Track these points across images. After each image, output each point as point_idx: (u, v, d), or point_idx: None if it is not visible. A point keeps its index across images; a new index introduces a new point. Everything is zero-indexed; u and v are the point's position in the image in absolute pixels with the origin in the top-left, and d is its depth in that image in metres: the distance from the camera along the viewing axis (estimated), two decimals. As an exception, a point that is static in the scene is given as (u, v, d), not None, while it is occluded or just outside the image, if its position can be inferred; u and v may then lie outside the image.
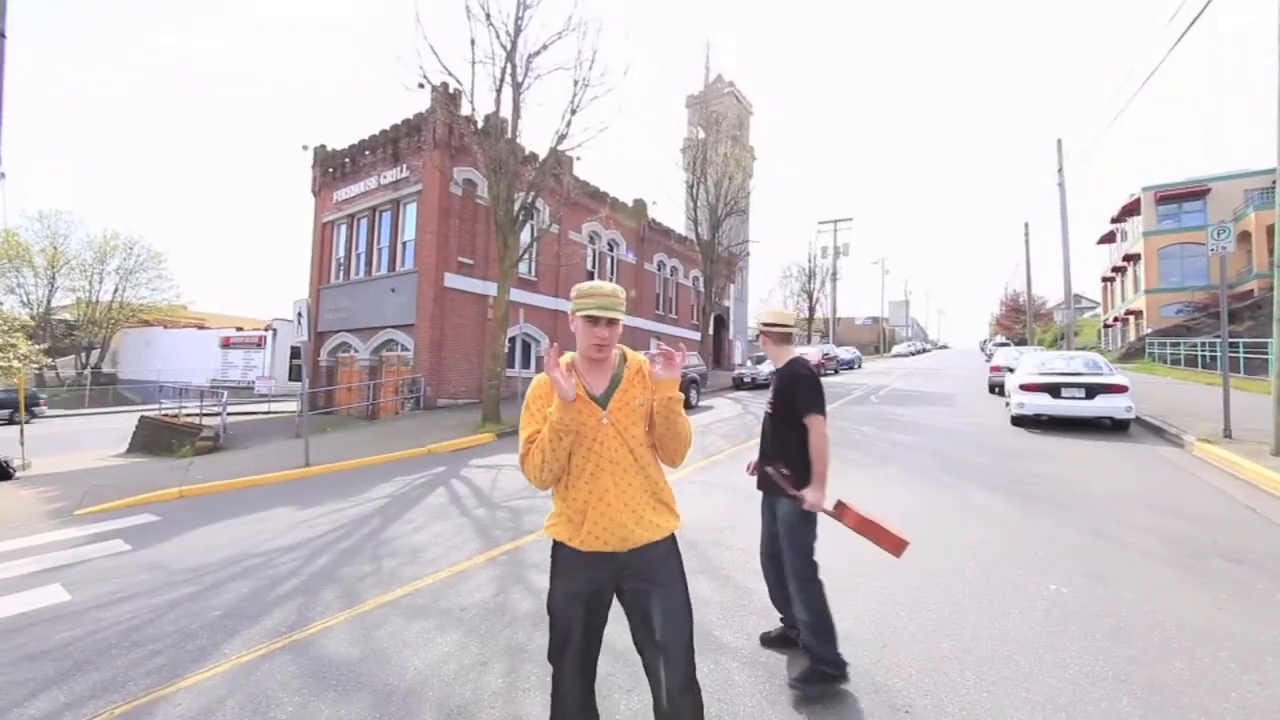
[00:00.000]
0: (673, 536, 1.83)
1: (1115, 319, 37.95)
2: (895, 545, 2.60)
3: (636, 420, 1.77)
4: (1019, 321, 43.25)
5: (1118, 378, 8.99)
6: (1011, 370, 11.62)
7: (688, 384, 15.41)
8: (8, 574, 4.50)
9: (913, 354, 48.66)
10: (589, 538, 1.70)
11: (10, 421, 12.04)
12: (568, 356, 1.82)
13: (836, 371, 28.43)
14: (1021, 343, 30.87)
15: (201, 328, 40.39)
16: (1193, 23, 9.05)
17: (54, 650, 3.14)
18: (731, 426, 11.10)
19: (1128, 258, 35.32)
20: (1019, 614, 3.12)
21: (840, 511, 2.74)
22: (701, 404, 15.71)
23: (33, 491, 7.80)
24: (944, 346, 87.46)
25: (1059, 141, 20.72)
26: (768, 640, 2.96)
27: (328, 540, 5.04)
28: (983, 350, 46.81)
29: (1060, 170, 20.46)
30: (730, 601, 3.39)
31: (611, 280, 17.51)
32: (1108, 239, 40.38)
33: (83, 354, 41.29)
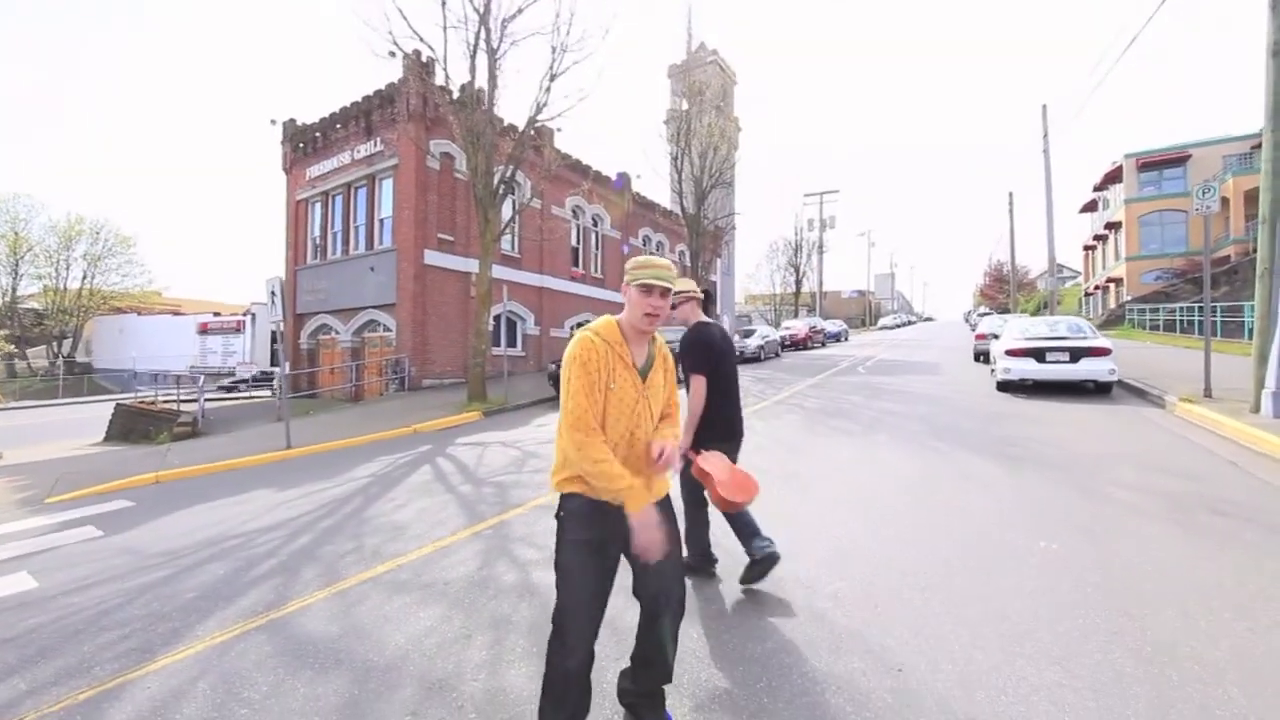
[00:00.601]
0: (669, 497, 1.99)
1: (1096, 287, 38.43)
2: (722, 503, 2.66)
3: (658, 397, 1.93)
4: (1003, 291, 43.68)
5: (1100, 341, 9.06)
6: (997, 337, 11.67)
7: (674, 359, 15.32)
8: (-29, 563, 4.32)
9: (898, 326, 49.09)
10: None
11: None
12: (601, 321, 1.89)
13: (824, 344, 28.55)
14: (1004, 312, 31.20)
15: (177, 314, 39.35)
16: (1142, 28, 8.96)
17: (17, 638, 3.00)
18: (720, 399, 11.04)
19: (1109, 226, 35.59)
20: (1011, 572, 3.10)
21: (692, 457, 2.84)
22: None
23: (3, 480, 7.54)
24: (929, 319, 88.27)
25: (1044, 108, 20.60)
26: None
27: (308, 520, 4.91)
28: (967, 321, 47.30)
29: (1045, 137, 20.37)
30: (719, 569, 3.34)
31: (597, 254, 17.28)
32: (1089, 207, 40.61)
33: (54, 343, 40.11)
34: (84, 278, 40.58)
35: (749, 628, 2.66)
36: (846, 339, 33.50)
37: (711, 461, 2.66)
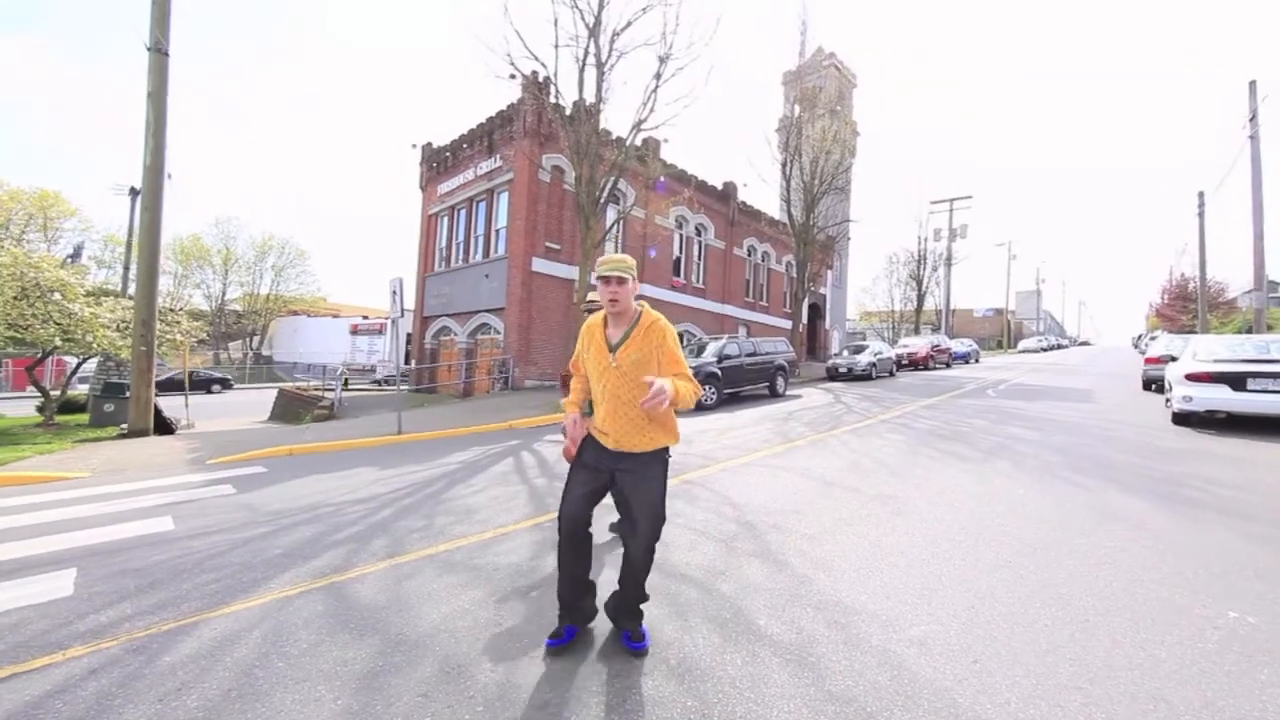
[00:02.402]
0: (663, 449, 2.38)
1: (1329, 308, 30.53)
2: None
3: (639, 366, 2.27)
4: (1187, 311, 36.31)
5: (1333, 367, 7.01)
6: (1174, 360, 9.59)
7: (774, 371, 14.62)
8: (139, 505, 5.14)
9: (1044, 349, 42.81)
10: (599, 435, 2.38)
11: (179, 390, 14.55)
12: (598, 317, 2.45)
13: (949, 365, 25.72)
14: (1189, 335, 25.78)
15: (336, 316, 45.70)
16: None
17: (142, 569, 3.45)
18: (817, 415, 10.26)
19: (1351, 231, 28.15)
20: (1177, 644, 2.35)
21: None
22: (789, 393, 14.85)
23: (183, 444, 9.06)
24: (1085, 342, 76.30)
25: (1252, 84, 16.86)
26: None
27: (394, 497, 5.23)
28: (1136, 346, 39.95)
29: (1252, 119, 16.65)
30: (781, 589, 2.94)
31: (699, 264, 17.20)
32: (1321, 209, 32.49)
33: (248, 339, 48.57)
34: (271, 285, 48.80)
35: (804, 663, 2.26)
36: (977, 360, 29.90)
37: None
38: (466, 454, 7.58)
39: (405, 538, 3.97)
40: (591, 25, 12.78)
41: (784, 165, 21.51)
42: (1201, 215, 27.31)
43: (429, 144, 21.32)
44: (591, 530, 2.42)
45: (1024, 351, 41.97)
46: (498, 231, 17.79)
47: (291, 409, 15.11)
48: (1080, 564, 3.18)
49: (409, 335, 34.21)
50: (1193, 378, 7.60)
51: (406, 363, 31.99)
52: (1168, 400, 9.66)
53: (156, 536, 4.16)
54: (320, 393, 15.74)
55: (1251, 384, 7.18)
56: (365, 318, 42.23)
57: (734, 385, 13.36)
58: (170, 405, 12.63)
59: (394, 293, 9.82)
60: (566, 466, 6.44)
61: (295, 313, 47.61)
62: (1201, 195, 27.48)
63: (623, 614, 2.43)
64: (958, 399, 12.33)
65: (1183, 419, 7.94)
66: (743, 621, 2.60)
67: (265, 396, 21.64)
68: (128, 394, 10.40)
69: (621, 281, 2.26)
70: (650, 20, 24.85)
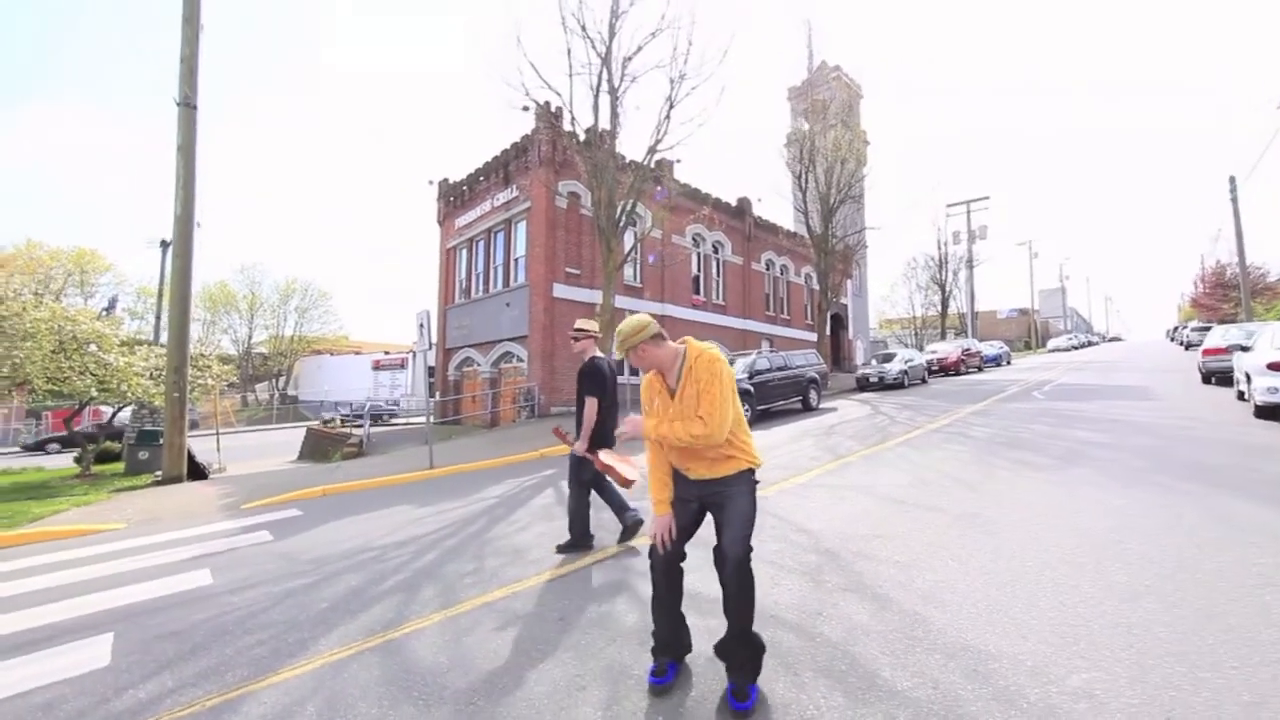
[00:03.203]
0: (743, 471, 2.31)
1: (1382, 288, 29.09)
2: (624, 482, 3.45)
3: (694, 405, 2.21)
4: (1227, 299, 34.93)
5: None
6: (1245, 349, 8.99)
7: (806, 384, 14.19)
8: (175, 557, 4.94)
9: (1075, 347, 41.45)
10: (684, 470, 2.37)
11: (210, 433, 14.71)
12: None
13: (980, 369, 24.92)
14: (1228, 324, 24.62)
15: (358, 354, 46.37)
16: None
17: (182, 632, 3.21)
18: (860, 427, 9.81)
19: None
20: None
21: (594, 458, 3.61)
22: (823, 405, 14.37)
23: (215, 489, 8.95)
24: (1115, 338, 74.04)
25: (1283, 64, 16.32)
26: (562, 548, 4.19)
27: (437, 538, 4.95)
28: (1172, 339, 38.44)
29: (1288, 100, 16.05)
30: (893, 630, 2.57)
31: (718, 281, 17.06)
32: (1360, 187, 31.27)
33: (274, 380, 49.46)
34: (295, 326, 49.85)
35: (952, 725, 1.90)
36: (1009, 362, 28.98)
37: (609, 458, 3.48)
38: (502, 487, 7.31)
39: (456, 584, 3.68)
40: (603, 54, 12.88)
41: (799, 177, 21.36)
42: (1235, 200, 26.46)
43: (445, 180, 21.66)
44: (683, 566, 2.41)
45: (1054, 350, 40.68)
46: (517, 260, 17.83)
47: (320, 447, 15.06)
48: (1236, 587, 2.75)
49: (431, 368, 34.53)
50: (1277, 367, 7.05)
51: (430, 395, 32.12)
52: (1241, 393, 9.06)
53: (195, 593, 3.93)
54: (349, 429, 15.70)
55: (1345, 371, 6.61)
56: (386, 353, 42.76)
57: (766, 401, 12.96)
58: (202, 450, 12.64)
59: (421, 325, 9.73)
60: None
61: (319, 352, 48.42)
62: (1233, 180, 26.68)
63: (730, 660, 2.24)
64: (1004, 403, 11.76)
65: (1268, 412, 7.34)
66: (863, 674, 2.24)
67: (294, 436, 21.75)
68: (161, 441, 10.39)
69: (633, 351, 2.30)
70: (660, 44, 25.15)
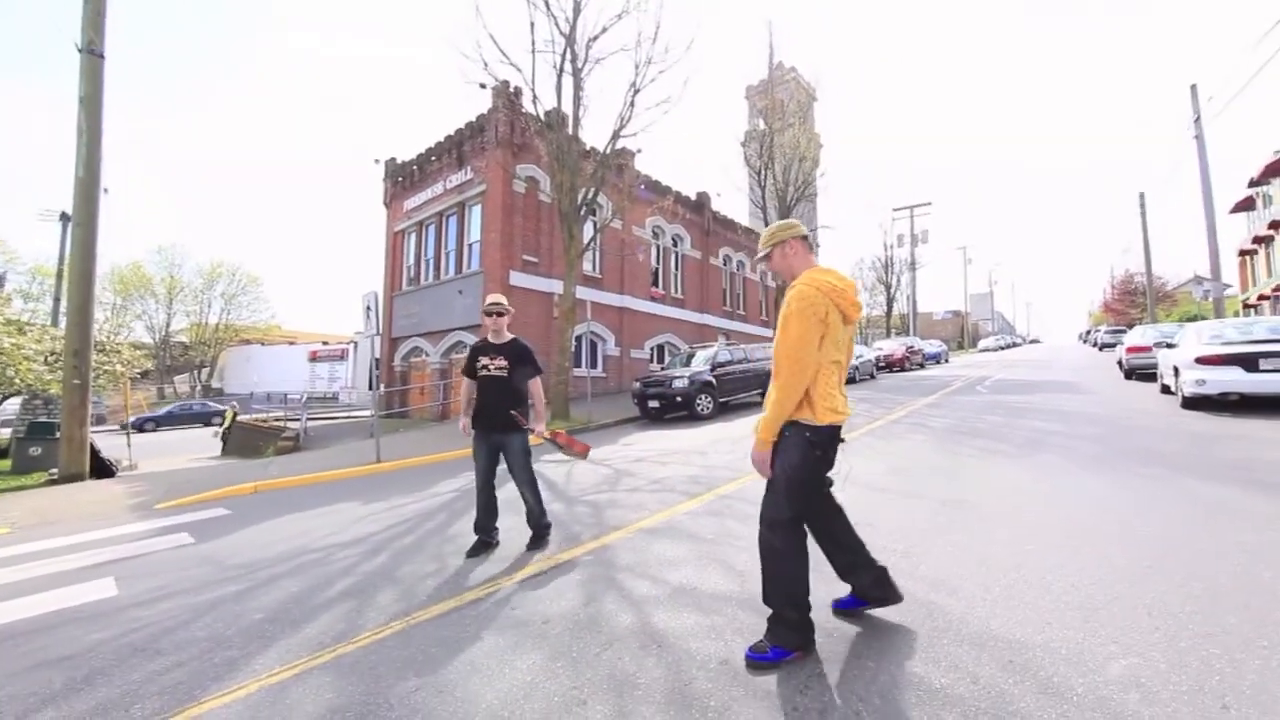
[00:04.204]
0: (796, 424, 2.14)
1: (1261, 297, 32.64)
2: (584, 449, 4.25)
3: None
4: (1135, 305, 38.27)
5: (1343, 344, 7.04)
6: (1171, 346, 9.65)
7: (766, 376, 14.25)
8: (71, 565, 4.22)
9: (1001, 348, 44.33)
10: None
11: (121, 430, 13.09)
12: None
13: (923, 365, 26.05)
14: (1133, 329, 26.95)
15: (292, 344, 43.41)
16: None
17: (74, 656, 2.64)
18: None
19: (1275, 225, 30.27)
20: None
21: (555, 436, 4.12)
22: (781, 399, 14.47)
23: (125, 488, 7.93)
24: (1035, 340, 79.75)
25: (1193, 88, 17.83)
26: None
27: (390, 536, 4.47)
28: (1084, 341, 41.78)
29: (1197, 121, 17.56)
30: (914, 622, 2.38)
31: (677, 275, 16.92)
32: (1244, 206, 34.95)
33: (195, 371, 45.55)
34: (221, 313, 46.10)
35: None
36: (947, 360, 30.53)
37: (565, 435, 4.23)
38: (458, 481, 6.82)
39: (417, 587, 3.25)
40: (568, 33, 12.38)
41: (758, 173, 21.56)
42: (1144, 215, 28.89)
43: (392, 159, 20.44)
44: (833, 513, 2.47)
45: (984, 350, 43.32)
46: (471, 246, 17.03)
47: (250, 442, 13.84)
48: (1233, 564, 2.75)
49: (375, 359, 32.71)
50: (1205, 360, 7.54)
51: (373, 388, 30.46)
52: (1165, 387, 9.73)
53: (94, 607, 3.30)
54: (283, 423, 14.51)
55: (1264, 364, 7.14)
56: (325, 343, 40.26)
57: (728, 394, 12.92)
58: (109, 447, 11.29)
59: (368, 308, 8.99)
60: (580, 487, 5.77)
61: (247, 342, 45.00)
62: (1142, 196, 29.08)
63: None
64: (952, 396, 12.21)
65: (1194, 403, 7.87)
66: (895, 671, 2.03)
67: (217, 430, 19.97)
68: (58, 434, 9.15)
69: (767, 257, 2.34)
70: (626, 27, 24.66)
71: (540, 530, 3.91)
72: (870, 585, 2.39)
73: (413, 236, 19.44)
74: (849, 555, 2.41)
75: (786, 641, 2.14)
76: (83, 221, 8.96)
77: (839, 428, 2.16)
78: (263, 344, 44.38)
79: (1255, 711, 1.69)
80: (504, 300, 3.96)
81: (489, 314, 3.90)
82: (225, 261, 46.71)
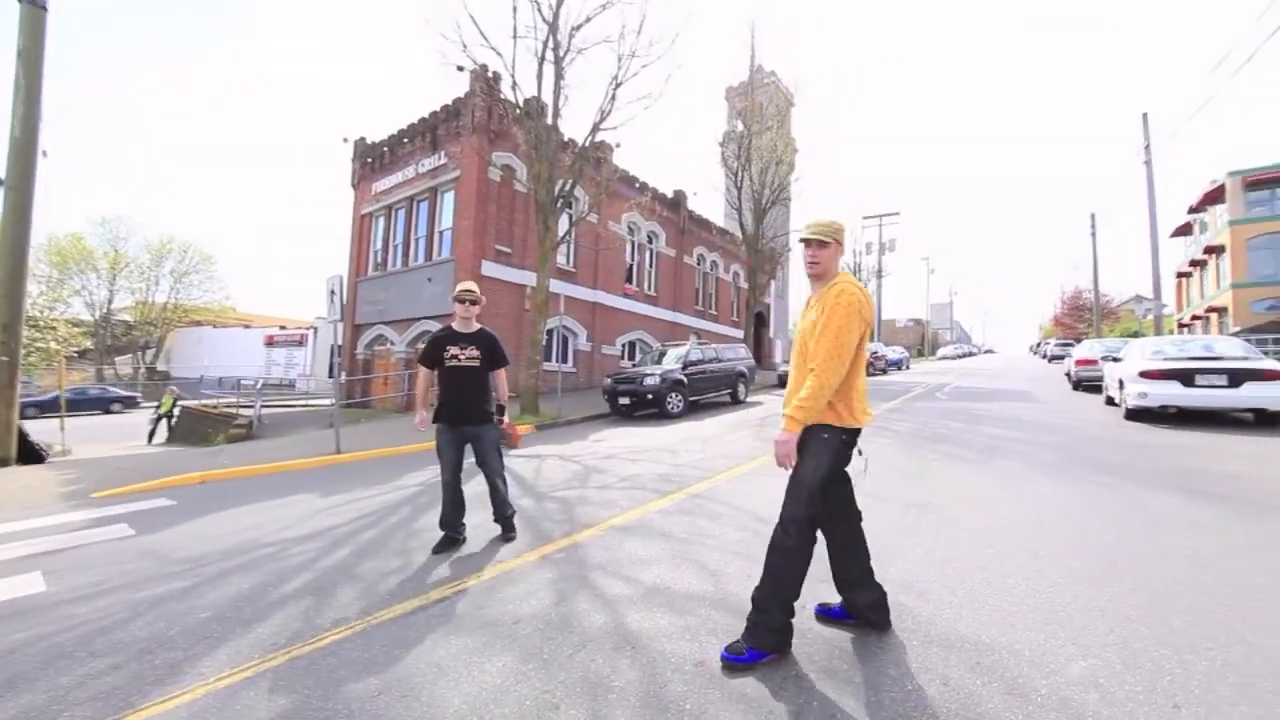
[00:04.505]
0: (823, 427, 2.17)
1: (1194, 317, 34.90)
2: (518, 438, 4.52)
3: (809, 334, 2.18)
4: (1082, 320, 40.36)
5: (1270, 363, 7.55)
6: (1117, 360, 10.18)
7: (736, 377, 14.40)
8: (-7, 559, 3.89)
9: (959, 356, 46.12)
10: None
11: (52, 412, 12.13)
12: None
13: (885, 371, 26.81)
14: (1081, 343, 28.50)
15: (247, 327, 41.49)
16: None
17: (-6, 658, 2.42)
18: (792, 420, 10.01)
19: (1209, 250, 32.37)
20: None
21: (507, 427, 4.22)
22: (750, 400, 14.66)
23: (57, 474, 7.40)
24: (990, 350, 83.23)
25: (1144, 116, 18.85)
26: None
27: (350, 530, 4.29)
28: (1034, 353, 43.85)
29: (1147, 148, 18.59)
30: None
31: (651, 272, 16.82)
32: (1183, 231, 37.29)
33: (139, 352, 43.01)
34: (170, 292, 43.61)
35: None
36: (908, 367, 31.52)
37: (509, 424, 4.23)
38: (424, 474, 6.63)
39: (380, 585, 3.12)
40: (550, 19, 12.16)
41: (735, 175, 21.71)
42: (1094, 235, 30.47)
43: (362, 139, 19.71)
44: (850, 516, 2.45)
45: (943, 358, 44.99)
46: (442, 233, 16.58)
47: (199, 429, 13.17)
48: (1175, 569, 2.89)
49: (335, 346, 31.54)
50: (1148, 375, 7.98)
51: (333, 375, 29.36)
52: (1110, 398, 10.27)
53: (19, 604, 3.05)
54: (234, 410, 13.85)
55: (1199, 380, 7.60)
56: (282, 328, 38.65)
57: (698, 393, 12.98)
58: (41, 431, 10.54)
59: (332, 292, 8.64)
60: (550, 483, 5.68)
61: (199, 323, 42.77)
62: (1093, 217, 30.64)
63: (752, 613, 2.22)
64: (913, 402, 12.58)
65: (1136, 414, 8.32)
66: (868, 672, 2.05)
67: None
68: (-19, 415, 8.45)
69: (822, 245, 2.22)
70: (610, 18, 24.40)
71: (509, 520, 3.87)
72: (867, 606, 2.35)
73: (381, 220, 18.82)
74: (855, 566, 2.38)
75: (765, 643, 2.13)
76: (16, 185, 8.30)
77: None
78: (214, 326, 42.27)
79: (1204, 711, 1.77)
80: (476, 288, 3.82)
81: (461, 301, 3.73)
82: (176, 237, 44.23)
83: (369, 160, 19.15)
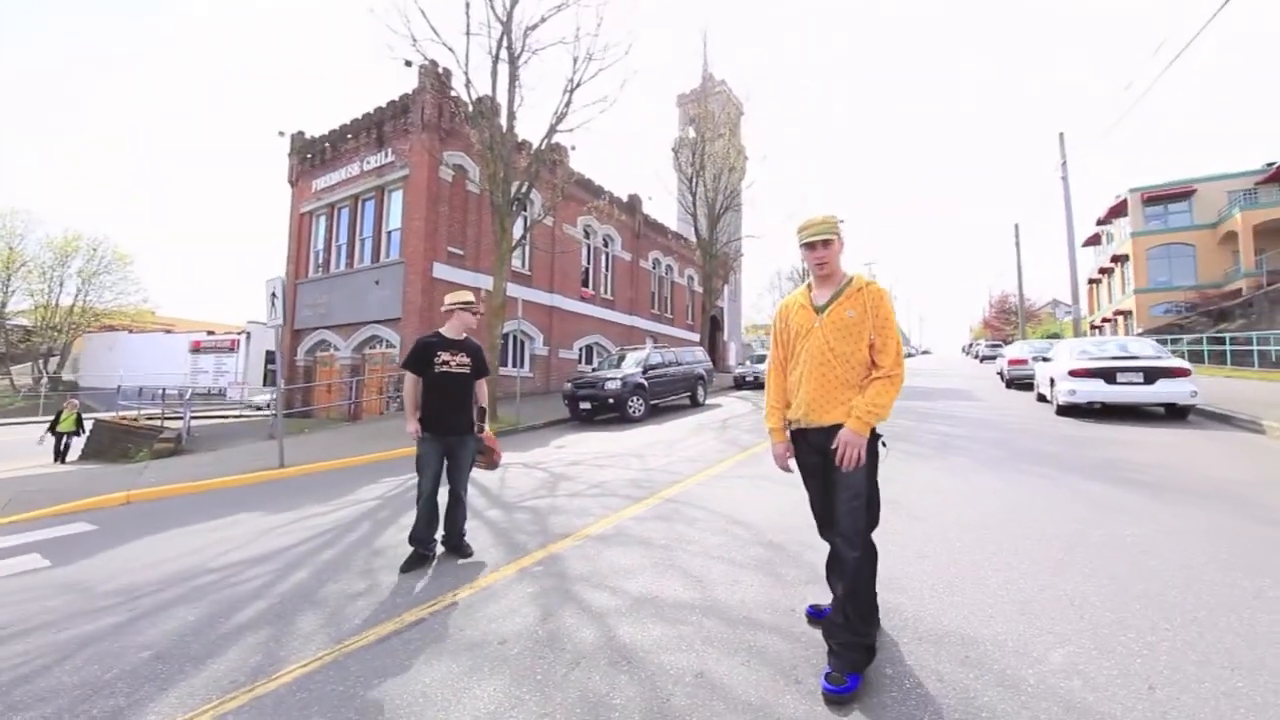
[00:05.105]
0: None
1: (1104, 320, 38.21)
2: (499, 457, 4.14)
3: (845, 332, 2.11)
4: (1009, 323, 43.40)
5: (1178, 361, 8.33)
6: (1047, 360, 10.96)
7: (695, 380, 14.54)
8: None
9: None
10: (794, 412, 2.24)
11: None
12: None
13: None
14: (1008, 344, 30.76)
15: (169, 332, 38.34)
16: (1190, 42, 9.26)
17: (-115, 720, 2.07)
18: (752, 421, 10.21)
19: (1115, 259, 35.59)
20: (1245, 625, 2.24)
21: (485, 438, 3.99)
22: (709, 402, 14.83)
23: (-54, 500, 6.53)
24: (926, 352, 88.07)
25: (1060, 135, 20.46)
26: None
27: (305, 550, 3.99)
28: (966, 353, 46.83)
29: (1064, 165, 20.17)
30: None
31: (607, 275, 16.75)
32: (1093, 241, 40.81)
33: (40, 360, 38.88)
34: (77, 294, 39.71)
35: (975, 722, 1.79)
36: (855, 368, 32.86)
37: (491, 438, 4.03)
38: (379, 487, 6.30)
39: (346, 609, 2.91)
40: (504, 19, 11.91)
41: (690, 180, 21.99)
42: (1018, 243, 32.75)
43: (300, 133, 18.65)
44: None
45: (886, 360, 47.12)
46: (390, 234, 15.90)
47: (116, 445, 12.02)
48: (1123, 555, 3.11)
49: (269, 352, 29.53)
50: (1076, 374, 8.63)
51: (266, 383, 27.49)
52: (1041, 395, 11.05)
53: (-89, 652, 2.64)
54: (158, 423, 12.72)
55: (1120, 378, 8.30)
56: (210, 333, 35.92)
57: (658, 396, 13.01)
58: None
59: (274, 295, 8.08)
60: (517, 492, 5.51)
61: (111, 328, 39.16)
62: (1016, 227, 32.92)
63: (832, 639, 2.05)
64: (865, 402, 13.10)
65: (1066, 410, 8.98)
66: (867, 672, 2.07)
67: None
68: None
69: (827, 244, 2.13)
70: (565, 20, 24.17)
71: (462, 536, 3.72)
72: None
73: (322, 219, 17.84)
74: None
75: (860, 664, 2.00)
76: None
77: None
78: (130, 331, 38.80)
79: (1176, 690, 1.89)
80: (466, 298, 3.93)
81: (471, 311, 3.81)
82: (85, 235, 40.28)
83: (309, 156, 18.14)
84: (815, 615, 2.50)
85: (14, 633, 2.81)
